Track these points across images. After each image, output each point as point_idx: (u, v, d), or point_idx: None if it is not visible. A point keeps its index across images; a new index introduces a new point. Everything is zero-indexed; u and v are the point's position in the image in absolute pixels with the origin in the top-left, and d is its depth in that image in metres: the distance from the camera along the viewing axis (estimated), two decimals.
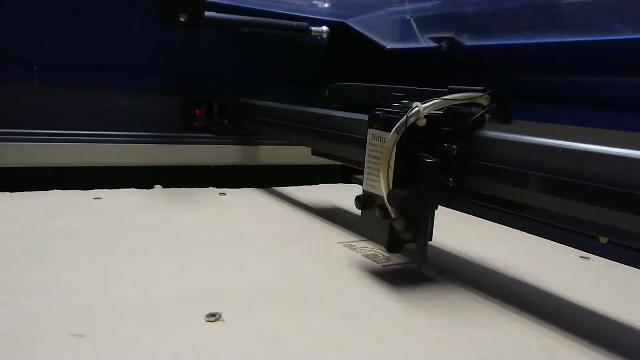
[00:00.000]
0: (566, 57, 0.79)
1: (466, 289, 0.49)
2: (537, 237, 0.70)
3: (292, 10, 1.03)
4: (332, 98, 0.73)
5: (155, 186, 0.84)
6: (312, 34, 1.02)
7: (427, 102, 0.45)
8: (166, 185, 0.85)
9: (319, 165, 1.02)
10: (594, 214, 0.37)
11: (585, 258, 0.62)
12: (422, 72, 1.04)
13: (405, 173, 0.45)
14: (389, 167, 0.45)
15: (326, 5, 1.07)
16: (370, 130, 0.49)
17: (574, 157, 0.38)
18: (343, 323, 0.41)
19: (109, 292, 0.44)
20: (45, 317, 0.38)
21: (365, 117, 0.50)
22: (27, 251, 0.52)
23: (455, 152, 0.46)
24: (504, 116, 0.47)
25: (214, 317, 0.40)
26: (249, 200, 0.81)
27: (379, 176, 0.46)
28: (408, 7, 0.97)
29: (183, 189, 0.84)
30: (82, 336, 0.36)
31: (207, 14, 0.86)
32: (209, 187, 0.87)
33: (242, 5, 0.97)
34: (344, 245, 0.60)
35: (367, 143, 0.49)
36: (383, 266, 0.54)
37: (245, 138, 0.99)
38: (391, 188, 0.45)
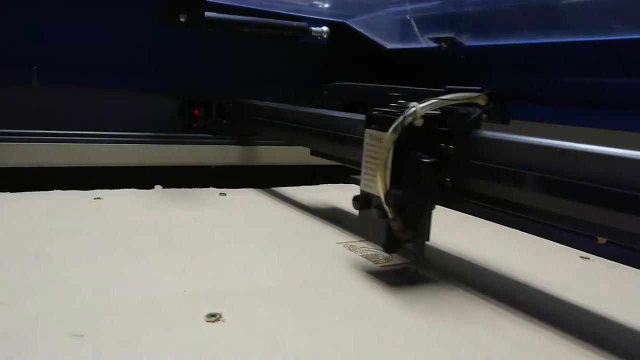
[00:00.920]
0: (566, 57, 0.79)
1: (466, 290, 0.49)
2: (537, 237, 0.70)
3: (292, 10, 1.03)
4: (330, 98, 0.73)
5: (155, 186, 0.84)
6: (312, 34, 1.02)
7: (424, 102, 0.45)
8: (166, 185, 0.85)
9: (318, 166, 1.02)
10: (591, 214, 0.37)
11: (585, 258, 0.62)
12: (422, 72, 1.04)
13: (403, 173, 0.45)
14: (386, 167, 0.45)
15: (326, 5, 1.07)
16: (367, 130, 0.49)
17: (570, 157, 0.38)
18: (343, 323, 0.41)
19: (109, 292, 0.44)
20: (45, 317, 0.38)
21: (363, 117, 0.50)
22: (27, 251, 0.52)
23: (452, 152, 0.46)
24: (501, 116, 0.47)
25: (214, 317, 0.40)
26: (249, 200, 0.81)
27: (376, 176, 0.46)
28: (408, 7, 0.97)
29: (183, 189, 0.84)
30: (82, 336, 0.36)
31: (207, 14, 0.86)
32: (209, 187, 0.87)
33: (242, 5, 0.97)
34: (344, 246, 0.60)
35: (364, 143, 0.49)
36: (383, 266, 0.54)
37: (244, 138, 0.99)
38: (388, 188, 0.45)
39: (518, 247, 0.66)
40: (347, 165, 0.68)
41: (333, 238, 0.63)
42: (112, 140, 0.89)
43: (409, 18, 0.98)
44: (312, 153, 0.74)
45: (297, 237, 0.63)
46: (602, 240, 0.63)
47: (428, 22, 0.96)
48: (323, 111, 0.67)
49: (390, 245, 0.49)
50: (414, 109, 0.44)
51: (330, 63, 1.10)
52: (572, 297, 0.49)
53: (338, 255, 0.57)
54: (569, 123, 0.77)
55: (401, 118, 0.44)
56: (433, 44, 0.94)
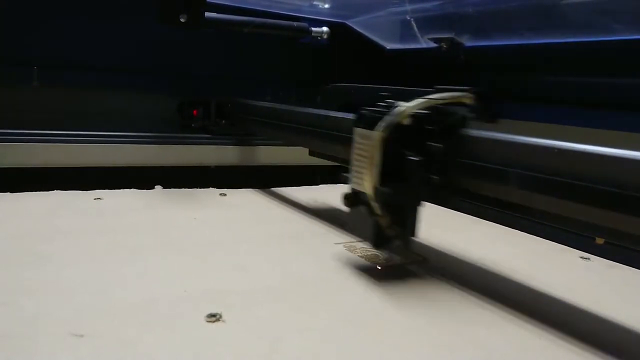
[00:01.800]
0: (566, 57, 0.79)
1: (466, 290, 0.49)
2: (537, 237, 0.70)
3: (292, 10, 1.03)
4: (327, 98, 0.73)
5: (156, 186, 0.84)
6: (312, 34, 1.02)
7: (412, 101, 0.46)
8: (166, 185, 0.85)
9: (318, 166, 1.02)
10: (577, 212, 0.38)
11: (585, 258, 0.62)
12: (422, 73, 1.04)
13: (391, 171, 0.46)
14: (374, 164, 0.46)
15: (326, 6, 1.07)
16: (356, 129, 0.50)
17: (555, 155, 0.38)
18: (343, 323, 0.41)
19: (109, 292, 0.44)
20: (45, 317, 0.38)
21: None
22: (27, 251, 0.52)
23: (439, 151, 0.46)
24: (488, 115, 0.48)
25: (214, 317, 0.40)
26: (249, 201, 0.81)
27: (364, 174, 0.47)
28: (408, 7, 0.97)
29: (183, 189, 0.84)
30: (82, 336, 0.36)
31: (207, 14, 0.86)
32: (209, 187, 0.87)
33: (242, 6, 0.97)
34: (344, 246, 0.60)
35: (353, 141, 0.50)
36: (382, 267, 0.54)
37: (243, 138, 0.99)
38: (377, 185, 0.46)
39: (518, 247, 0.66)
40: (343, 165, 0.68)
41: (333, 238, 0.63)
42: (112, 140, 0.89)
43: (409, 18, 0.98)
44: (311, 153, 0.74)
45: (297, 238, 0.63)
46: (600, 240, 0.63)
47: (428, 23, 0.96)
48: (320, 111, 0.68)
49: (378, 241, 0.49)
50: (401, 108, 0.45)
51: (330, 63, 1.10)
52: (572, 298, 0.49)
53: (338, 255, 0.57)
54: (570, 123, 0.77)
55: (389, 117, 0.45)
56: (433, 44, 0.94)
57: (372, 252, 0.57)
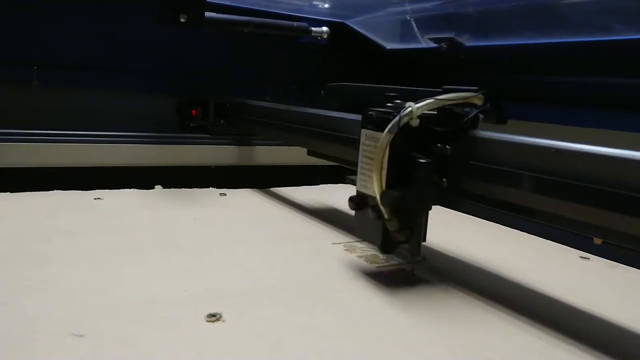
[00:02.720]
0: (566, 57, 0.79)
1: (466, 290, 0.49)
2: (537, 237, 0.70)
3: (292, 10, 1.03)
4: (328, 98, 0.73)
5: (156, 186, 0.84)
6: (312, 34, 1.02)
7: (420, 102, 0.44)
8: (166, 185, 0.85)
9: (319, 166, 1.02)
10: (587, 215, 0.37)
11: (585, 258, 0.62)
12: (422, 72, 1.04)
13: (399, 173, 0.45)
14: (381, 167, 0.45)
15: (326, 5, 1.07)
16: (363, 130, 0.49)
17: (566, 157, 0.38)
18: (343, 323, 0.41)
19: (109, 292, 0.44)
20: (45, 317, 0.38)
21: (359, 117, 0.50)
22: (27, 251, 0.52)
23: (448, 153, 0.46)
24: (498, 116, 0.47)
25: (214, 317, 0.40)
26: (249, 201, 0.81)
27: (372, 176, 0.45)
28: (408, 7, 0.97)
29: (183, 189, 0.84)
30: (82, 336, 0.36)
31: (207, 14, 0.86)
32: (208, 187, 0.87)
33: (242, 6, 0.97)
34: (344, 246, 0.60)
35: (360, 143, 0.49)
36: (382, 267, 0.54)
37: (243, 138, 0.99)
38: (384, 188, 0.45)
39: (518, 247, 0.66)
40: (344, 166, 0.68)
41: (333, 238, 0.63)
42: (112, 140, 0.89)
43: (409, 18, 0.98)
44: (309, 153, 0.74)
45: (297, 238, 0.63)
46: (598, 240, 0.63)
47: (428, 22, 0.96)
48: (319, 111, 0.67)
49: (386, 245, 0.48)
50: (410, 109, 0.44)
51: (330, 63, 1.10)
52: (572, 298, 0.49)
53: (337, 255, 0.57)
54: (570, 123, 0.77)
55: (397, 118, 0.44)
56: (433, 44, 0.94)
57: (372, 252, 0.57)
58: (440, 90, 0.47)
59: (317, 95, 0.76)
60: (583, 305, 0.48)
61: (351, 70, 1.09)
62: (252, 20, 0.94)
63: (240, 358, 0.35)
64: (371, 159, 0.46)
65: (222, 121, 0.95)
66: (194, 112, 0.94)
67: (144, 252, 0.53)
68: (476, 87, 0.46)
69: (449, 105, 0.46)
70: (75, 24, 0.87)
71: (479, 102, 0.46)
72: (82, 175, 0.86)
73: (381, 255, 0.57)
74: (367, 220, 0.47)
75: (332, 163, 0.71)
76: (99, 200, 0.74)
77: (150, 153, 0.92)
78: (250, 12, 0.96)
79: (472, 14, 0.87)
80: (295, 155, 0.98)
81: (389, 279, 0.50)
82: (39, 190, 0.75)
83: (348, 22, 1.08)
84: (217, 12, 0.89)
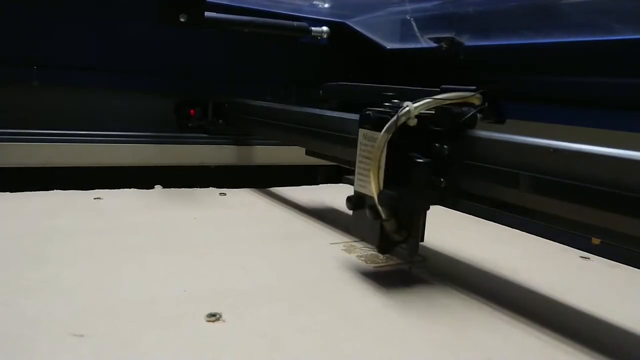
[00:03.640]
0: (566, 57, 0.79)
1: (466, 290, 0.49)
2: (537, 237, 0.70)
3: (292, 10, 1.03)
4: (325, 97, 0.73)
5: (155, 186, 0.84)
6: (312, 34, 1.02)
7: (418, 101, 0.44)
8: (166, 185, 0.85)
9: (318, 166, 1.02)
10: (585, 215, 0.37)
11: (585, 258, 0.62)
12: (422, 72, 1.04)
13: (396, 173, 0.45)
14: (379, 167, 0.45)
15: (326, 5, 1.07)
16: (361, 130, 0.49)
17: (565, 157, 0.37)
18: (342, 323, 0.41)
19: (109, 292, 0.44)
20: (45, 317, 0.38)
21: (357, 117, 0.50)
22: (27, 251, 0.52)
23: (446, 152, 0.45)
24: (496, 115, 0.47)
25: (214, 317, 0.40)
26: (248, 201, 0.81)
27: (369, 176, 0.45)
28: (408, 7, 0.97)
29: (183, 189, 0.84)
30: (82, 336, 0.36)
31: (207, 14, 0.86)
32: (208, 187, 0.87)
33: (242, 5, 0.97)
34: (344, 246, 0.60)
35: (358, 143, 0.49)
36: (381, 267, 0.54)
37: (242, 138, 0.99)
38: (382, 188, 0.45)
39: (518, 247, 0.66)
40: (342, 166, 0.68)
41: (332, 238, 0.63)
42: (112, 140, 0.89)
43: (409, 18, 0.98)
44: (308, 153, 0.74)
45: (297, 237, 0.63)
46: (596, 240, 0.63)
47: (428, 22, 0.96)
48: (317, 111, 0.67)
49: (384, 245, 0.48)
50: (407, 108, 0.44)
51: (330, 63, 1.10)
52: (572, 298, 0.49)
53: (337, 255, 0.57)
54: (570, 123, 0.77)
55: (395, 118, 0.44)
56: (433, 44, 0.94)
57: (371, 252, 0.57)
58: (438, 89, 0.47)
59: (317, 95, 0.76)
60: (583, 306, 0.48)
61: (351, 70, 1.09)
62: (252, 20, 0.94)
63: (240, 358, 0.35)
64: (369, 158, 0.46)
65: (220, 121, 0.95)
66: (192, 111, 0.94)
67: (144, 252, 0.53)
68: (474, 87, 0.46)
69: (447, 104, 0.45)
70: (75, 24, 0.87)
71: (477, 101, 0.46)
72: (82, 175, 0.86)
73: (380, 255, 0.57)
74: (365, 220, 0.47)
75: (331, 163, 0.71)
76: (98, 200, 0.74)
77: (150, 153, 0.92)
78: (250, 12, 0.96)
79: (472, 14, 0.87)
80: (294, 155, 0.98)
81: (389, 279, 0.50)
82: (39, 190, 0.75)
83: (348, 22, 1.08)
84: (217, 12, 0.89)
